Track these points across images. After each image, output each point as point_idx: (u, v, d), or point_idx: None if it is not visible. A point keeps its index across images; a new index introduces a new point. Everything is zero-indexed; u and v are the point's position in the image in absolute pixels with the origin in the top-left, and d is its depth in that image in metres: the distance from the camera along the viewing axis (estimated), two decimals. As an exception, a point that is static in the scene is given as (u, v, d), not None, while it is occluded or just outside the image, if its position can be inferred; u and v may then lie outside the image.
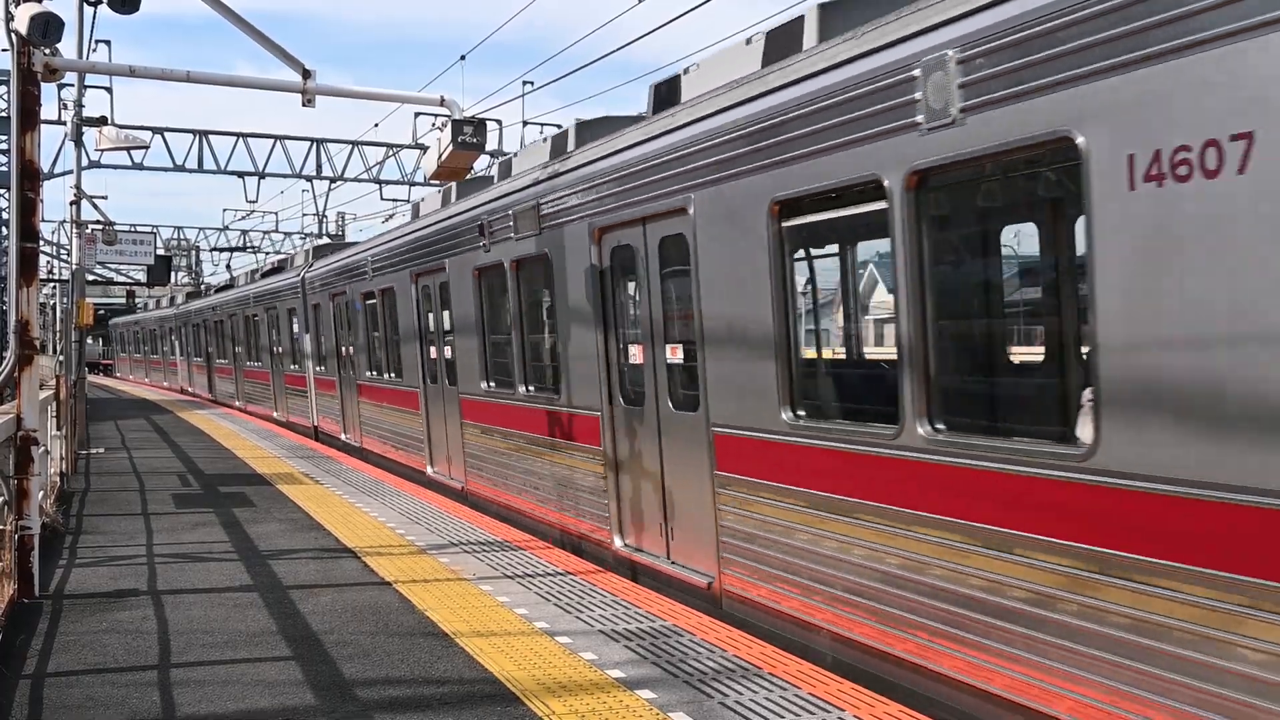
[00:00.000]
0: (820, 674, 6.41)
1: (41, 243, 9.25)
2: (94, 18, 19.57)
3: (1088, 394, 5.07)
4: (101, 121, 21.79)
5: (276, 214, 56.45)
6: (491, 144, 34.72)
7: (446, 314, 14.29)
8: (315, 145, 36.15)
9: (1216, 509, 4.38)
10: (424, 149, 32.66)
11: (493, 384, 12.76)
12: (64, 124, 23.60)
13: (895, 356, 6.22)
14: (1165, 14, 4.46)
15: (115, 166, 33.72)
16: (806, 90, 6.75)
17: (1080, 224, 5.03)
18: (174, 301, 44.57)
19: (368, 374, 18.35)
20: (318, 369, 22.07)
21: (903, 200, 5.96)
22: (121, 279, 44.06)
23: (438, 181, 13.97)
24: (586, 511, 10.36)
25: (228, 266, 48.67)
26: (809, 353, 8.09)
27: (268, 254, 54.99)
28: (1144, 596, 4.69)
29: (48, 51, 8.97)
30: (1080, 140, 4.86)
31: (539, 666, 6.61)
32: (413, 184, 37.80)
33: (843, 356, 9.59)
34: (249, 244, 56.41)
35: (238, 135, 34.82)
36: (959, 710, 5.80)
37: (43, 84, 8.98)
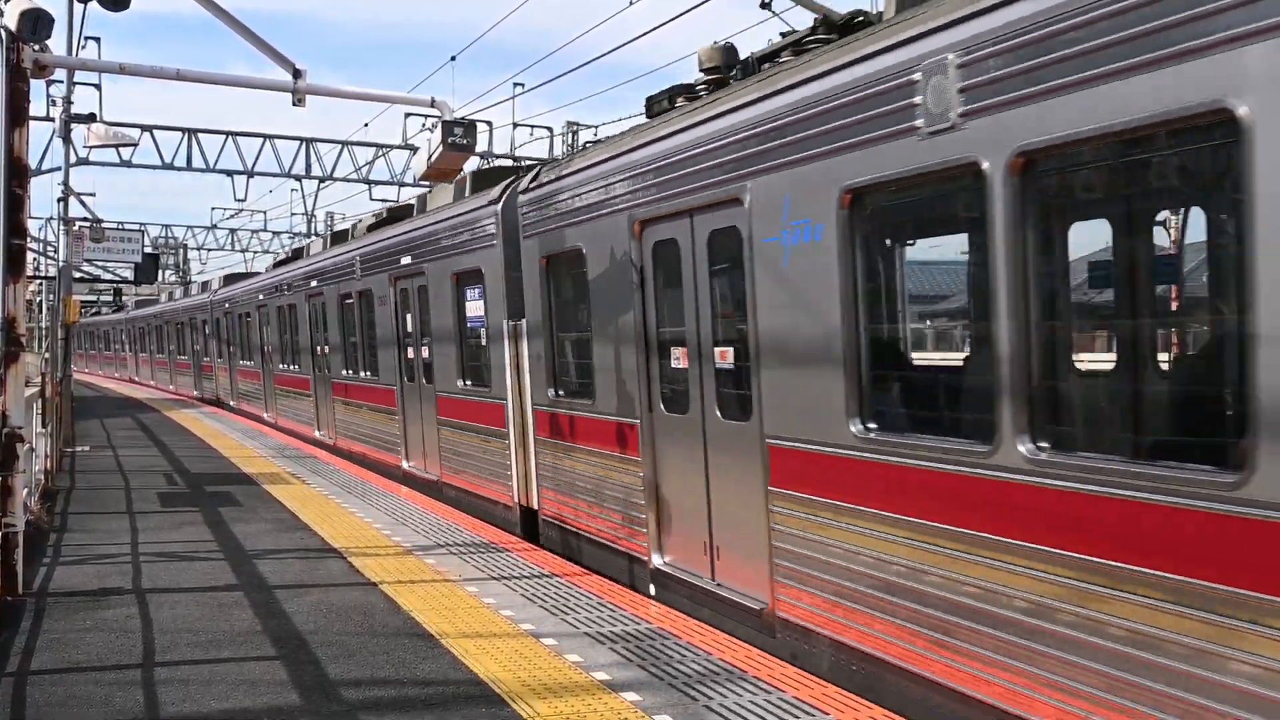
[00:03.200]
0: (806, 678, 6.43)
1: (29, 239, 9.22)
2: (83, 14, 19.53)
3: None
4: (90, 119, 21.72)
5: (265, 213, 56.35)
6: (481, 145, 34.68)
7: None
8: (304, 145, 36.08)
9: None
10: (414, 150, 32.62)
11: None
12: (52, 121, 23.49)
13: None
14: None
15: (103, 164, 33.53)
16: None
17: None
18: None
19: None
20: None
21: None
22: (109, 276, 43.93)
23: (428, 182, 13.97)
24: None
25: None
26: None
27: (256, 253, 54.89)
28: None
29: (37, 48, 8.95)
30: None
31: (524, 668, 6.61)
32: (402, 184, 37.75)
33: None
34: (237, 243, 56.27)
35: (227, 134, 34.70)
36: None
37: (32, 80, 8.96)
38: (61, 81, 22.18)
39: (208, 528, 11.63)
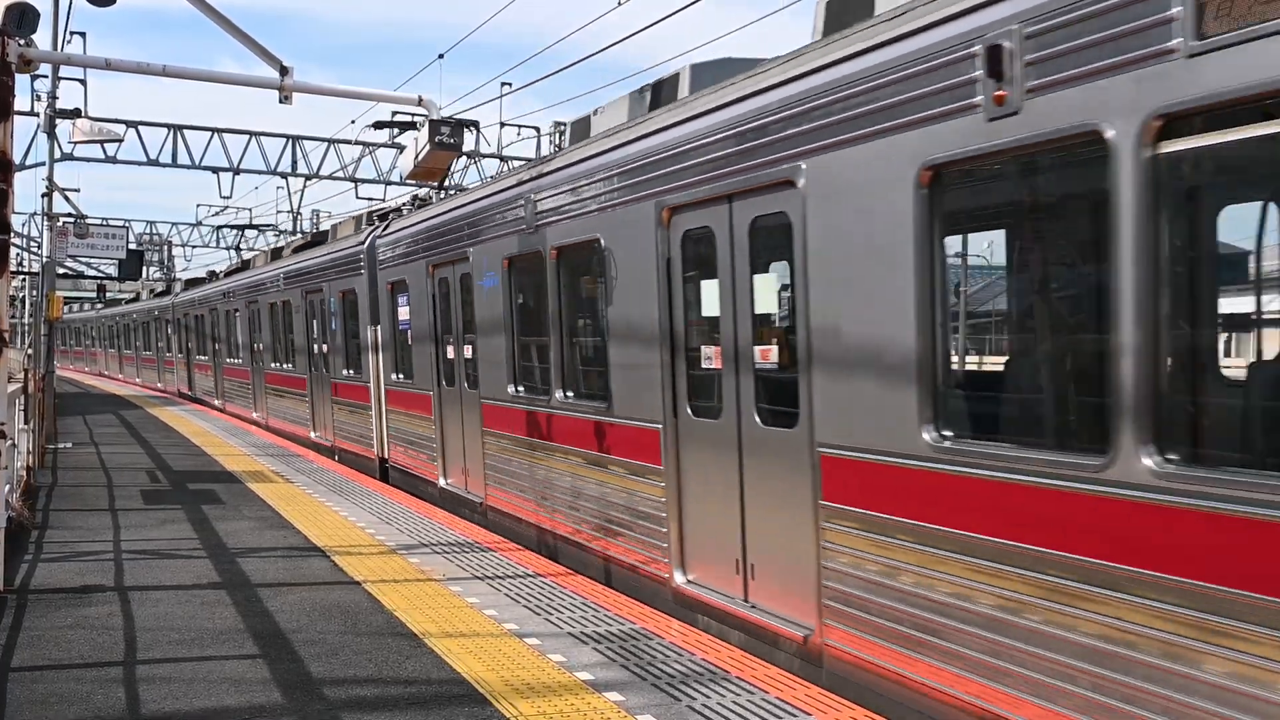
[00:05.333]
0: (787, 678, 6.44)
1: (12, 235, 9.18)
2: (69, 9, 19.46)
3: None
4: (75, 114, 21.64)
5: (251, 210, 56.08)
6: (468, 145, 34.62)
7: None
8: (291, 142, 36.00)
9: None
10: (400, 148, 32.54)
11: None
12: (37, 116, 23.39)
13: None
14: None
15: (88, 160, 33.41)
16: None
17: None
18: None
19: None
20: None
21: None
22: (92, 273, 43.73)
23: (414, 181, 13.95)
24: None
25: None
26: None
27: (240, 250, 54.72)
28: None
29: (22, 42, 8.91)
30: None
31: (508, 668, 6.61)
32: (388, 183, 37.69)
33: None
34: (222, 240, 56.07)
35: (212, 130, 34.59)
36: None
37: (17, 75, 8.92)
38: (46, 76, 22.11)
39: (190, 525, 11.59)
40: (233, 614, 7.91)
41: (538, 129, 38.32)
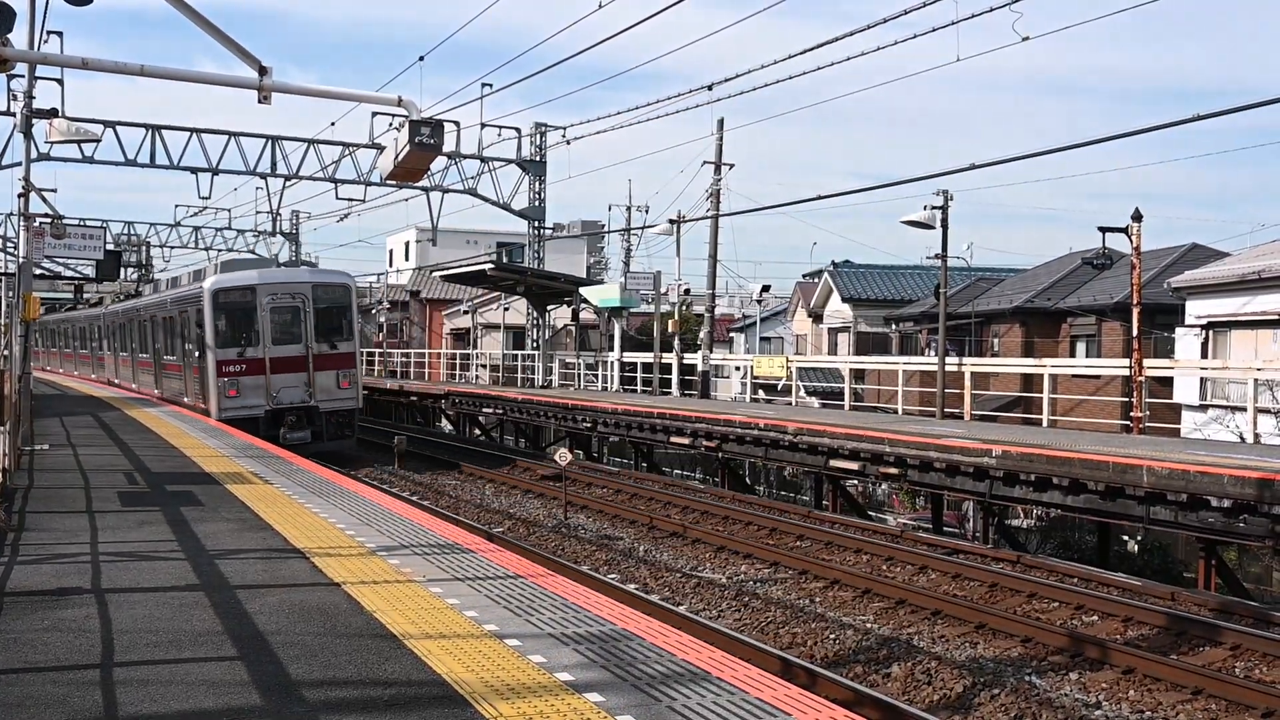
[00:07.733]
0: (768, 679, 6.46)
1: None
2: (46, 7, 19.31)
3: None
4: (52, 114, 21.51)
5: (230, 211, 55.90)
6: (449, 146, 34.53)
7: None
8: (270, 142, 35.87)
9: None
10: (380, 149, 32.43)
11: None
12: (13, 115, 23.28)
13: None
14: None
15: (65, 159, 33.27)
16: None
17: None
18: None
19: None
20: None
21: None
22: (69, 273, 43.55)
23: (394, 182, 13.94)
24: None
25: None
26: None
27: (220, 250, 54.49)
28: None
29: (-1, 41, 8.85)
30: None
31: (488, 669, 6.60)
32: (369, 184, 37.59)
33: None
34: (200, 241, 55.86)
35: (191, 130, 34.47)
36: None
37: (-7, 74, 8.87)
38: (23, 76, 21.96)
39: (169, 527, 11.53)
40: (211, 616, 7.87)
41: (518, 129, 38.23)
